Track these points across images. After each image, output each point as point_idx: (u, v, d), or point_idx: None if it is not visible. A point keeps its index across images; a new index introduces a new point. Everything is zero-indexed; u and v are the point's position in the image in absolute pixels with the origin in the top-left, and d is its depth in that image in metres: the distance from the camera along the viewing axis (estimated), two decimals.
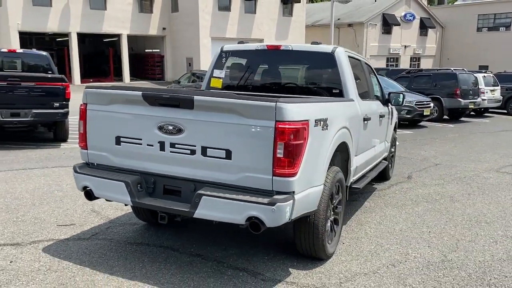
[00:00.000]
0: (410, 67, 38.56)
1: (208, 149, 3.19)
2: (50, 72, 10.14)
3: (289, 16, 35.79)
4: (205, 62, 29.48)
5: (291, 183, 3.04)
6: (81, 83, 29.81)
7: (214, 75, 5.18)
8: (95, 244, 4.08)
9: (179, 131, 3.25)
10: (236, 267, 3.69)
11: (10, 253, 3.82)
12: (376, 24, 39.72)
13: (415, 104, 13.78)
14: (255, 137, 3.02)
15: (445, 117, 16.36)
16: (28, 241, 4.10)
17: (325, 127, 3.49)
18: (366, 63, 5.74)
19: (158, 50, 35.26)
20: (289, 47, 4.88)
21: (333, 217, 4.01)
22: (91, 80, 30.47)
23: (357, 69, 5.23)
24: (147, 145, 3.38)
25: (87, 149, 3.67)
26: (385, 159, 6.66)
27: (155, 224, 4.56)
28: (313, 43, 4.85)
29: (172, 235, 4.36)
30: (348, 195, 4.60)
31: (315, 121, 3.29)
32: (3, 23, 27.84)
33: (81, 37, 30.65)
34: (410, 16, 41.31)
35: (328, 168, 3.66)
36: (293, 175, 3.04)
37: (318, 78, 4.92)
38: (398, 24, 40.80)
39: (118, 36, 31.84)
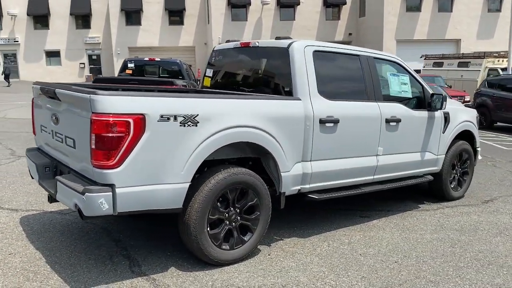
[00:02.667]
0: None
1: (67, 138, 3.48)
2: (181, 77, 11.61)
3: (496, 11, 31.20)
4: None
5: (109, 176, 3.06)
6: None
7: (206, 74, 5.33)
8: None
9: (57, 121, 3.62)
10: (127, 256, 3.84)
11: None
12: None
13: None
14: (82, 128, 3.16)
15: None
16: None
17: (190, 123, 3.33)
18: (377, 58, 4.95)
19: None
20: (256, 44, 4.69)
21: (239, 223, 3.74)
22: None
23: (341, 65, 4.62)
24: (48, 133, 3.86)
25: (35, 135, 4.37)
26: (432, 174, 5.56)
27: None
28: (277, 38, 4.52)
29: (119, 222, 4.69)
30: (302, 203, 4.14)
31: (161, 116, 3.19)
32: (209, 38, 32.43)
33: None
34: None
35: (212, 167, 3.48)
36: (111, 167, 3.05)
37: (273, 74, 4.55)
38: None
39: None
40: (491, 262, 3.98)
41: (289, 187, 4.09)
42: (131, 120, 3.07)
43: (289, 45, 4.27)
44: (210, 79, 5.25)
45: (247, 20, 31.86)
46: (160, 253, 3.89)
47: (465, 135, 6.04)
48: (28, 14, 34.25)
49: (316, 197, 4.31)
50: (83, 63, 35.71)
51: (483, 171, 7.70)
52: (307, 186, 4.24)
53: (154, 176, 3.24)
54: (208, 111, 3.44)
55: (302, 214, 5.14)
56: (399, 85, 5.12)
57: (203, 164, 3.53)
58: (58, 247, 3.95)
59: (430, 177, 5.55)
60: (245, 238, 3.82)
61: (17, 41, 34.77)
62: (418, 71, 12.37)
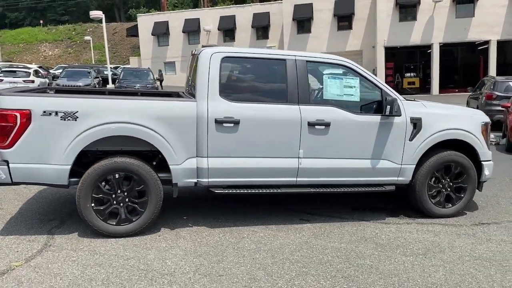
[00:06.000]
0: None
1: None
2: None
3: None
4: None
5: (4, 154, 4.19)
6: (439, 93, 29.86)
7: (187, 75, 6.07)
8: None
9: None
10: (51, 232, 4.96)
11: None
12: None
13: None
14: None
15: None
16: None
17: (69, 118, 4.24)
18: (315, 61, 4.92)
19: None
20: (194, 52, 5.25)
21: (126, 204, 4.47)
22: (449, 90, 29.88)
23: (258, 69, 4.85)
24: None
25: None
26: (404, 186, 5.16)
27: None
28: (203, 46, 4.99)
29: None
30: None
31: (44, 111, 4.19)
32: (375, 40, 31.76)
33: (443, 47, 30.46)
34: None
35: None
36: (5, 147, 4.18)
37: (194, 79, 4.96)
38: None
39: (487, 42, 29.50)
40: (349, 275, 3.74)
41: (181, 179, 4.59)
42: (18, 114, 4.17)
43: (200, 53, 4.75)
44: (188, 80, 5.92)
45: (416, 20, 29.95)
46: (74, 227, 4.85)
47: (460, 145, 5.29)
48: (218, 29, 39.41)
49: (216, 191, 4.68)
50: None
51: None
52: (205, 180, 4.65)
53: (40, 157, 4.26)
54: (87, 109, 4.29)
55: (236, 208, 5.45)
56: (340, 89, 4.95)
57: (106, 153, 4.43)
58: None
59: (391, 188, 5.12)
60: (133, 218, 4.52)
61: None
62: None
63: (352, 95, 4.98)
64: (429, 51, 30.48)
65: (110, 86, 24.32)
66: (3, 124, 4.17)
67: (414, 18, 30.10)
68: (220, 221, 5.04)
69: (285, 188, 4.88)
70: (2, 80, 21.02)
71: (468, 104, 16.09)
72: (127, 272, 3.72)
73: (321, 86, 5.03)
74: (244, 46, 38.99)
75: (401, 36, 30.17)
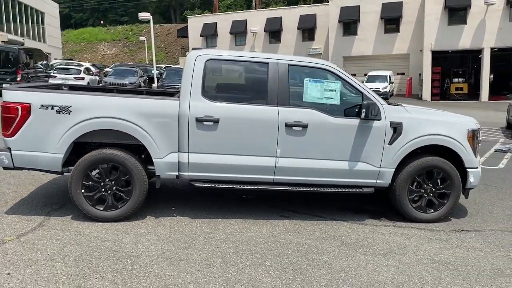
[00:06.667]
0: None
1: None
2: None
3: None
4: None
5: (7, 142, 4.76)
6: (489, 100, 28.66)
7: None
8: None
9: None
10: (48, 213, 5.48)
11: None
12: None
13: None
14: None
15: None
16: None
17: (64, 112, 4.73)
18: (297, 65, 5.13)
19: None
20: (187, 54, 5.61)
21: (113, 192, 4.91)
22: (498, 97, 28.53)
23: (240, 72, 5.14)
24: None
25: None
26: (383, 189, 5.28)
27: None
28: (193, 49, 5.33)
29: None
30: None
31: (41, 105, 4.70)
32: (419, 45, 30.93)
33: (495, 51, 29.14)
34: None
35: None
36: (8, 136, 4.74)
37: None
38: None
39: None
40: (300, 268, 3.94)
41: (163, 172, 4.97)
42: (19, 107, 4.71)
43: (188, 54, 5.10)
44: None
45: (466, 24, 28.81)
46: (70, 211, 5.32)
47: (447, 152, 5.30)
48: (265, 31, 39.86)
49: (196, 184, 5.02)
50: None
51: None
52: (186, 174, 5.00)
53: (38, 145, 4.78)
54: (79, 104, 4.77)
55: (224, 203, 5.76)
56: (320, 92, 5.12)
57: (101, 145, 4.93)
58: None
59: (370, 190, 5.23)
60: (119, 205, 4.95)
61: None
62: None
63: (332, 98, 5.14)
64: (479, 55, 29.28)
65: (155, 85, 25.36)
66: (7, 115, 4.73)
67: (463, 21, 29.04)
68: (204, 213, 5.37)
69: (263, 185, 5.13)
70: (55, 76, 22.57)
71: (508, 112, 15.42)
72: (99, 252, 4.14)
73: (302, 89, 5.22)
74: (289, 48, 39.21)
75: (450, 40, 29.19)
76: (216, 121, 4.90)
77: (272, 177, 5.10)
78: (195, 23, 42.87)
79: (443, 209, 5.34)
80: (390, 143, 5.13)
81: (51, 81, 21.31)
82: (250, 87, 5.21)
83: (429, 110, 5.63)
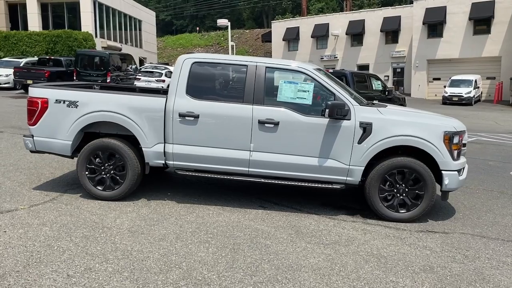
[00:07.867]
0: None
1: None
2: None
3: None
4: None
5: (30, 130, 5.84)
6: None
7: None
8: None
9: None
10: (63, 191, 6.47)
11: None
12: None
13: None
14: None
15: None
16: None
17: (72, 106, 5.68)
18: (274, 68, 5.57)
19: None
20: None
21: (111, 175, 5.76)
22: None
23: (221, 73, 5.70)
24: None
25: None
26: (353, 185, 5.52)
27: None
28: (188, 53, 5.98)
29: None
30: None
31: (56, 100, 5.70)
32: None
33: None
34: None
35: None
36: (31, 125, 5.82)
37: None
38: None
39: None
40: (238, 249, 4.41)
41: (151, 160, 5.72)
42: (39, 101, 5.76)
43: (177, 59, 5.80)
44: None
45: None
46: (83, 191, 6.27)
47: (417, 152, 5.38)
48: (346, 34, 39.53)
49: (179, 172, 5.68)
50: (387, 76, 38.06)
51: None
52: (171, 162, 5.69)
53: (53, 133, 5.79)
54: (85, 100, 5.69)
55: (215, 192, 6.33)
56: (294, 92, 5.49)
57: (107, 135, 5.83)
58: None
59: (340, 186, 5.48)
60: (115, 187, 5.79)
61: (336, 57, 40.67)
62: None
63: (305, 98, 5.48)
64: None
65: None
66: (31, 107, 5.81)
67: None
68: (194, 200, 6.00)
69: (239, 176, 5.63)
70: (140, 79, 24.81)
71: None
72: (82, 222, 4.97)
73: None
74: (371, 51, 38.41)
75: None
76: (197, 117, 5.52)
77: (247, 169, 5.58)
78: (278, 28, 43.84)
79: (416, 209, 5.40)
80: (359, 142, 5.34)
81: (136, 83, 23.52)
82: (230, 87, 5.76)
83: (407, 111, 5.70)
